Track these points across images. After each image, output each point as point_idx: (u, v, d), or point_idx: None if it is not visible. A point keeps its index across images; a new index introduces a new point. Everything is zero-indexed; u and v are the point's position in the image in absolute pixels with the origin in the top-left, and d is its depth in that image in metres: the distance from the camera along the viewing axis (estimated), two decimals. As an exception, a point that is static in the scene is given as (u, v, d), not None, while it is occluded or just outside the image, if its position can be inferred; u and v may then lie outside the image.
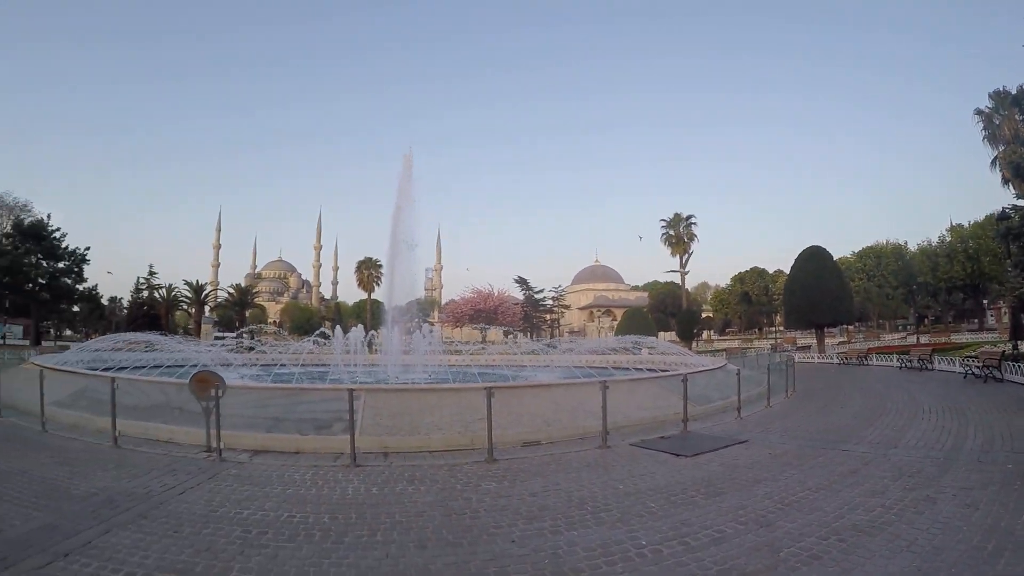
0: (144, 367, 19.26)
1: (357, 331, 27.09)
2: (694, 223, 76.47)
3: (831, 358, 36.67)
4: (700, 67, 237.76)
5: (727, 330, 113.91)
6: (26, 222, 58.91)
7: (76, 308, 68.79)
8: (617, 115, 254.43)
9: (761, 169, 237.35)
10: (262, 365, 23.83)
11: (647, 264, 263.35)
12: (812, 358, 38.01)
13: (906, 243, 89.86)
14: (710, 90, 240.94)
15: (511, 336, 54.92)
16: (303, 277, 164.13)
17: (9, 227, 61.80)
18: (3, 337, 52.77)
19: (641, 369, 20.92)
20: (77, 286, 58.74)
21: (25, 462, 8.62)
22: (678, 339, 65.32)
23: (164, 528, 5.79)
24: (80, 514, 6.18)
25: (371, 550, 5.26)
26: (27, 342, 52.44)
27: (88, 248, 58.47)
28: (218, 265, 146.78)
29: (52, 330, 73.41)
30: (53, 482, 7.55)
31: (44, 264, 55.01)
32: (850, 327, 69.53)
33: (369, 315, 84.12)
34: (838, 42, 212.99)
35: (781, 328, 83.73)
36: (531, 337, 66.85)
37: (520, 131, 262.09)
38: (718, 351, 48.73)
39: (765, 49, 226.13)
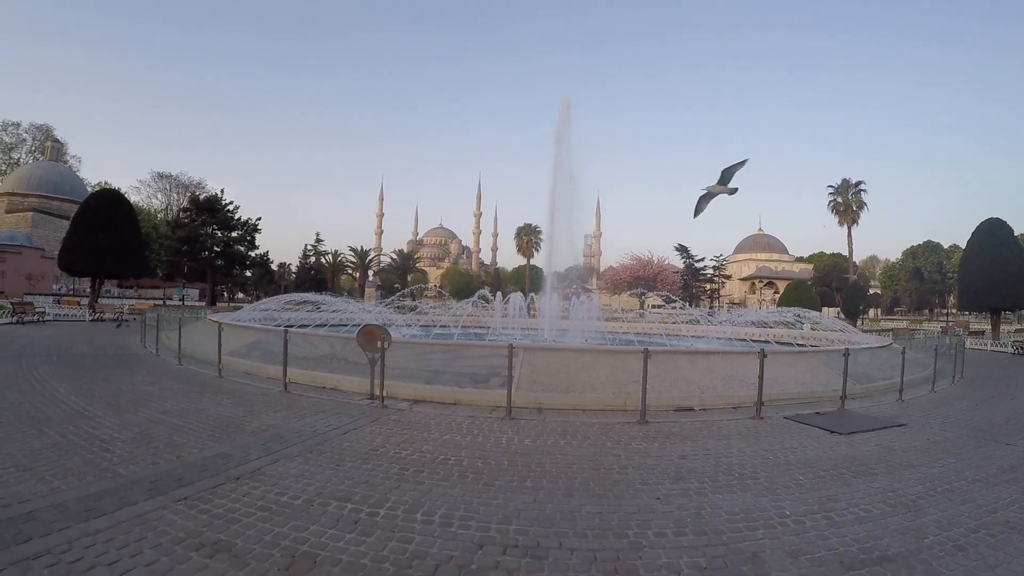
0: (309, 325, 20.71)
1: (516, 296, 27.82)
2: (863, 190, 71.94)
3: (1005, 346, 33.00)
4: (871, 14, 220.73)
5: (895, 309, 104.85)
6: (201, 197, 65.40)
7: (248, 273, 75.46)
8: (777, 82, 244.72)
9: (941, 134, 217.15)
10: (422, 325, 25.01)
11: (813, 234, 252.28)
12: (985, 344, 34.21)
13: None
14: (883, 46, 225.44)
15: (670, 305, 53.08)
16: (463, 243, 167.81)
17: (186, 202, 68.97)
18: (182, 299, 59.61)
19: (803, 344, 19.83)
20: (250, 253, 64.68)
21: (203, 402, 9.61)
22: (842, 315, 60.95)
23: (327, 461, 6.36)
24: (251, 446, 6.91)
25: (520, 494, 5.49)
26: (203, 303, 58.80)
27: (260, 218, 64.19)
28: (381, 232, 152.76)
29: (225, 293, 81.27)
30: (228, 419, 8.39)
31: (219, 234, 61.00)
32: (1029, 313, 62.36)
33: (528, 281, 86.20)
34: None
35: (954, 310, 76.47)
36: (690, 306, 64.44)
37: (682, 97, 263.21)
38: (884, 331, 44.61)
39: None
